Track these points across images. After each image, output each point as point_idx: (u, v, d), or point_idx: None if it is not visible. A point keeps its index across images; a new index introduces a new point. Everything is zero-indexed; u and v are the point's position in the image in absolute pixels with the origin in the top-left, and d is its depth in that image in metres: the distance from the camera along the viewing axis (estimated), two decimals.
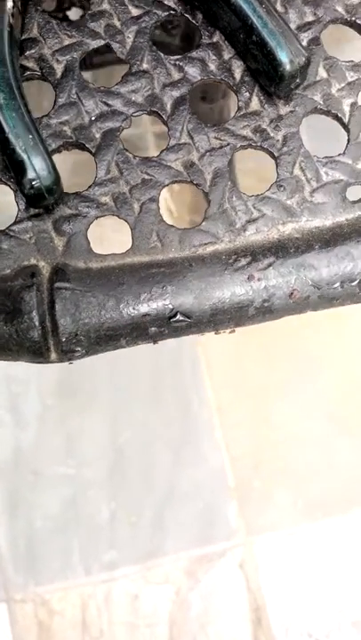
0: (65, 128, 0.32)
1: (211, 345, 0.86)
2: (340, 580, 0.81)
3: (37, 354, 0.29)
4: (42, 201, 0.29)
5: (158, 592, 0.79)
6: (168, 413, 0.83)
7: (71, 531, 0.79)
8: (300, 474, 0.83)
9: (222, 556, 0.80)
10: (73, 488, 0.80)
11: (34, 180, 0.29)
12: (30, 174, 0.28)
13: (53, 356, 0.29)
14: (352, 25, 0.35)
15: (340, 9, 0.34)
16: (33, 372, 0.84)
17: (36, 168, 0.28)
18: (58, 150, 0.32)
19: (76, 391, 0.84)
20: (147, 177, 0.32)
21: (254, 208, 0.31)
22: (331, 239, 0.30)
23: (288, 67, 0.31)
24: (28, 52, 0.33)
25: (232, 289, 0.29)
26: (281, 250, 0.30)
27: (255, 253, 0.30)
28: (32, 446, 0.81)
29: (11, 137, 0.29)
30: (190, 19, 0.34)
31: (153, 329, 0.29)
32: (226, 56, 0.34)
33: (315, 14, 0.34)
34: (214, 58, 0.34)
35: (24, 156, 0.28)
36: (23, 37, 0.33)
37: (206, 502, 0.81)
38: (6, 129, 0.29)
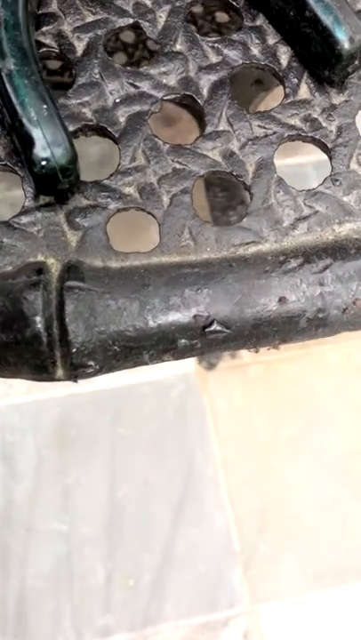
0: (84, 110, 0.28)
1: (218, 395, 0.83)
2: None
3: (41, 368, 0.24)
4: (54, 184, 0.24)
5: None
6: (170, 468, 0.80)
7: (64, 591, 0.75)
8: (311, 538, 0.79)
9: (225, 625, 0.76)
10: (67, 545, 0.76)
11: (46, 156, 0.24)
12: (42, 149, 0.24)
13: (60, 372, 0.24)
14: None
15: None
16: (30, 421, 0.82)
17: (50, 142, 0.24)
18: (75, 135, 0.28)
19: (74, 442, 0.82)
20: (178, 166, 0.27)
21: (305, 204, 0.26)
22: None
23: (346, 45, 0.27)
24: (45, 28, 0.29)
25: (281, 295, 0.24)
26: (339, 251, 0.25)
27: (308, 254, 0.25)
28: (25, 499, 0.79)
29: (21, 107, 0.24)
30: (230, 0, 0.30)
31: (183, 341, 0.24)
32: (270, 41, 0.30)
33: None
34: (258, 42, 0.30)
35: (35, 129, 0.24)
36: (41, 12, 0.29)
37: (209, 566, 0.77)
38: (15, 98, 0.24)
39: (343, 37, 0.27)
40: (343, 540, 0.79)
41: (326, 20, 0.27)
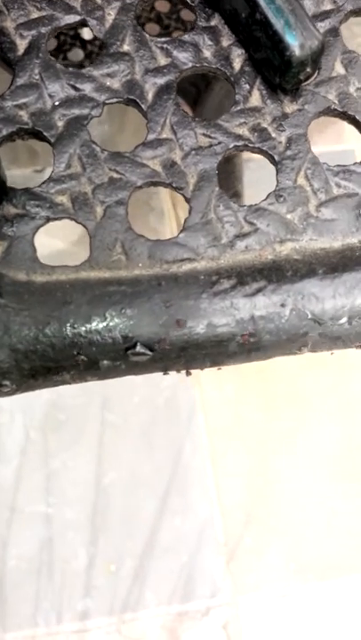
0: (21, 112, 0.27)
1: (209, 387, 0.82)
2: None
3: None
4: None
5: None
6: (158, 457, 0.80)
7: (45, 574, 0.75)
8: (295, 533, 0.79)
9: (205, 615, 0.75)
10: (50, 528, 0.76)
11: None
12: None
13: None
14: None
15: None
16: (19, 402, 0.81)
17: None
18: (10, 138, 0.26)
19: (62, 425, 0.82)
20: (115, 175, 0.26)
21: (246, 221, 0.25)
22: (339, 264, 0.24)
23: (297, 51, 0.25)
24: None
25: (210, 318, 0.23)
26: (275, 273, 0.24)
27: (242, 275, 0.24)
28: (11, 480, 0.78)
29: None
30: None
31: (105, 362, 0.23)
32: (225, 42, 0.28)
33: (334, 2, 0.29)
34: (210, 43, 0.28)
35: None
36: None
37: (192, 555, 0.77)
38: None
39: (294, 43, 0.25)
40: (328, 537, 0.78)
41: (277, 23, 0.25)
